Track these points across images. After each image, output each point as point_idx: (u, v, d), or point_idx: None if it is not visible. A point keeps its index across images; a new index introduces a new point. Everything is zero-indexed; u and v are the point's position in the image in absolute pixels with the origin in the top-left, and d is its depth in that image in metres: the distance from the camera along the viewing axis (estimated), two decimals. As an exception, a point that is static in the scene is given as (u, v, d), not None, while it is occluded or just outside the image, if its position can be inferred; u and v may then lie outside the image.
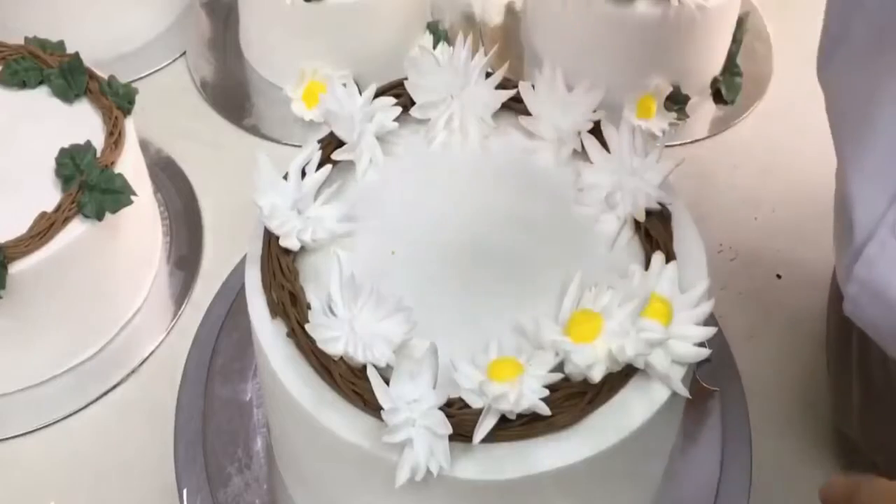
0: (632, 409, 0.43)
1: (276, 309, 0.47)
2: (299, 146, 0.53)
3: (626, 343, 0.43)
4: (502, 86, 0.55)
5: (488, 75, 0.55)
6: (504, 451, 0.42)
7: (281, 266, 0.48)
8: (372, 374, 0.43)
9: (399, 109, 0.54)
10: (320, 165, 0.52)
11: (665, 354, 0.44)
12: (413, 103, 0.55)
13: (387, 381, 0.43)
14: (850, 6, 0.49)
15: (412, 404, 0.42)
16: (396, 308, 0.45)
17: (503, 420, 0.42)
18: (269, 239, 0.49)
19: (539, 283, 0.48)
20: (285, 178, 0.51)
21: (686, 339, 0.44)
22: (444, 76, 0.54)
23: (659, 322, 0.43)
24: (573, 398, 0.43)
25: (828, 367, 0.67)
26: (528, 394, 0.42)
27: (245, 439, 0.59)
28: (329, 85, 0.53)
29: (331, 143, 0.53)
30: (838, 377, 0.63)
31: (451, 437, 0.41)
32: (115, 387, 0.67)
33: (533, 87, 0.54)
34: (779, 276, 0.75)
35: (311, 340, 0.44)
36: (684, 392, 0.44)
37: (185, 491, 0.57)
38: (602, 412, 0.43)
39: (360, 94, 0.54)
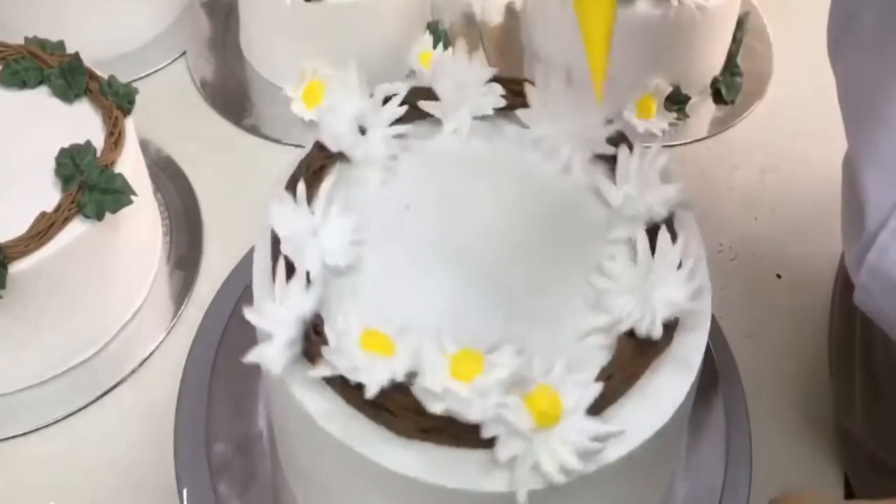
0: (470, 470, 0.42)
1: (288, 185, 0.50)
2: (299, 146, 0.54)
3: (477, 402, 0.40)
4: None
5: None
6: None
7: (310, 162, 0.51)
8: (280, 267, 0.45)
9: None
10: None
11: (523, 447, 0.40)
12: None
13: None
14: None
15: (284, 310, 0.44)
16: (354, 241, 0.47)
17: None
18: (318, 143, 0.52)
19: (503, 313, 0.47)
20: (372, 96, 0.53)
21: (551, 452, 0.41)
22: None
23: (531, 415, 0.41)
24: (415, 412, 0.42)
25: (830, 365, 0.67)
26: (366, 369, 0.42)
27: (247, 439, 0.59)
28: (448, 54, 0.55)
29: (423, 96, 0.54)
30: (841, 373, 0.63)
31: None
32: (115, 387, 0.67)
33: None
34: (779, 276, 0.75)
35: None
36: (521, 498, 0.40)
37: (185, 491, 0.57)
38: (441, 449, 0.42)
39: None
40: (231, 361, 0.63)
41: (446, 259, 0.49)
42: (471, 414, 0.40)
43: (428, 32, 0.87)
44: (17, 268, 0.60)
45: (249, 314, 0.45)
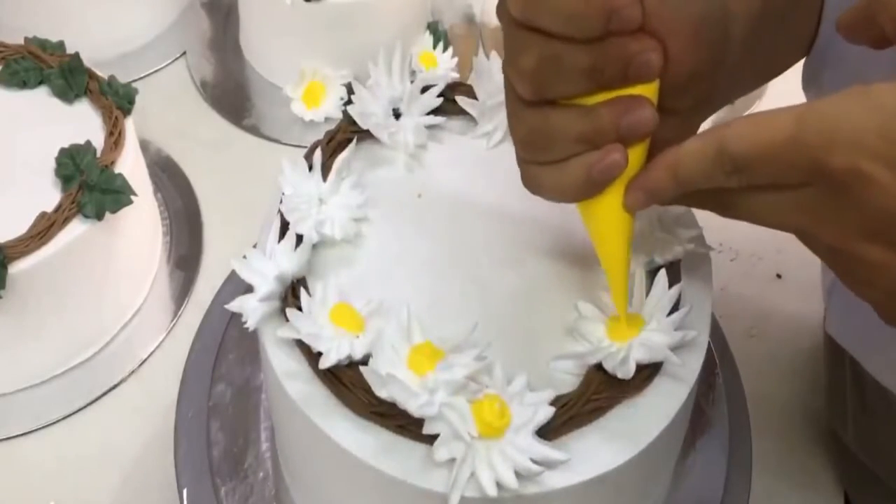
0: (412, 462, 0.41)
1: (309, 151, 0.51)
2: (299, 146, 0.54)
3: (423, 397, 0.40)
4: None
5: None
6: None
7: (335, 133, 0.52)
8: (275, 224, 0.47)
9: None
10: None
11: (462, 452, 0.40)
12: None
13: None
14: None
15: (269, 266, 0.45)
16: (357, 217, 0.49)
17: None
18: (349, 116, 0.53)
19: (484, 317, 0.46)
20: (412, 81, 0.53)
21: (490, 464, 0.40)
22: None
23: (475, 423, 0.40)
24: (368, 392, 0.42)
25: (825, 376, 0.67)
26: (326, 340, 0.43)
27: (247, 439, 0.59)
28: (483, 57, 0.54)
29: (462, 92, 0.54)
30: (833, 386, 0.63)
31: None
32: (115, 387, 0.67)
33: None
34: (779, 276, 0.75)
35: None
36: (452, 502, 0.40)
37: (185, 491, 0.57)
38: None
39: None
40: (231, 361, 0.63)
41: (442, 254, 0.49)
42: (413, 406, 0.40)
43: (428, 32, 0.87)
44: (17, 268, 0.60)
45: (236, 264, 0.46)
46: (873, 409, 0.57)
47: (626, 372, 0.43)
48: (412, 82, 0.53)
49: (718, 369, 0.63)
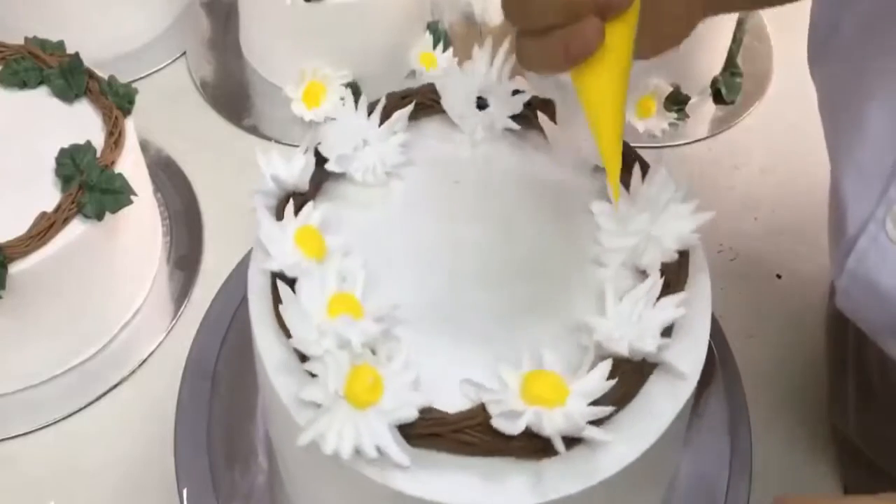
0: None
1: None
2: (299, 146, 0.54)
3: (313, 336, 0.42)
4: None
5: None
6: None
7: (411, 95, 0.53)
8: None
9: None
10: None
11: (330, 405, 0.40)
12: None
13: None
14: (839, 1, 0.49)
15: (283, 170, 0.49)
16: (387, 170, 0.50)
17: None
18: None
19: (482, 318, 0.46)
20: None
21: (342, 431, 0.40)
22: None
23: (344, 384, 0.40)
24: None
25: (826, 367, 0.67)
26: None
27: (247, 440, 0.59)
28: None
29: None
30: (835, 377, 0.63)
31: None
32: (115, 387, 0.68)
33: None
34: (779, 276, 0.75)
35: None
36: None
37: (185, 491, 0.57)
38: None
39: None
40: (231, 362, 0.63)
41: (461, 243, 0.49)
42: (299, 336, 0.42)
43: (428, 32, 0.87)
44: (17, 268, 0.60)
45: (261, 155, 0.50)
46: (876, 398, 0.57)
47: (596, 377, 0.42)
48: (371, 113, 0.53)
49: (718, 369, 0.63)
